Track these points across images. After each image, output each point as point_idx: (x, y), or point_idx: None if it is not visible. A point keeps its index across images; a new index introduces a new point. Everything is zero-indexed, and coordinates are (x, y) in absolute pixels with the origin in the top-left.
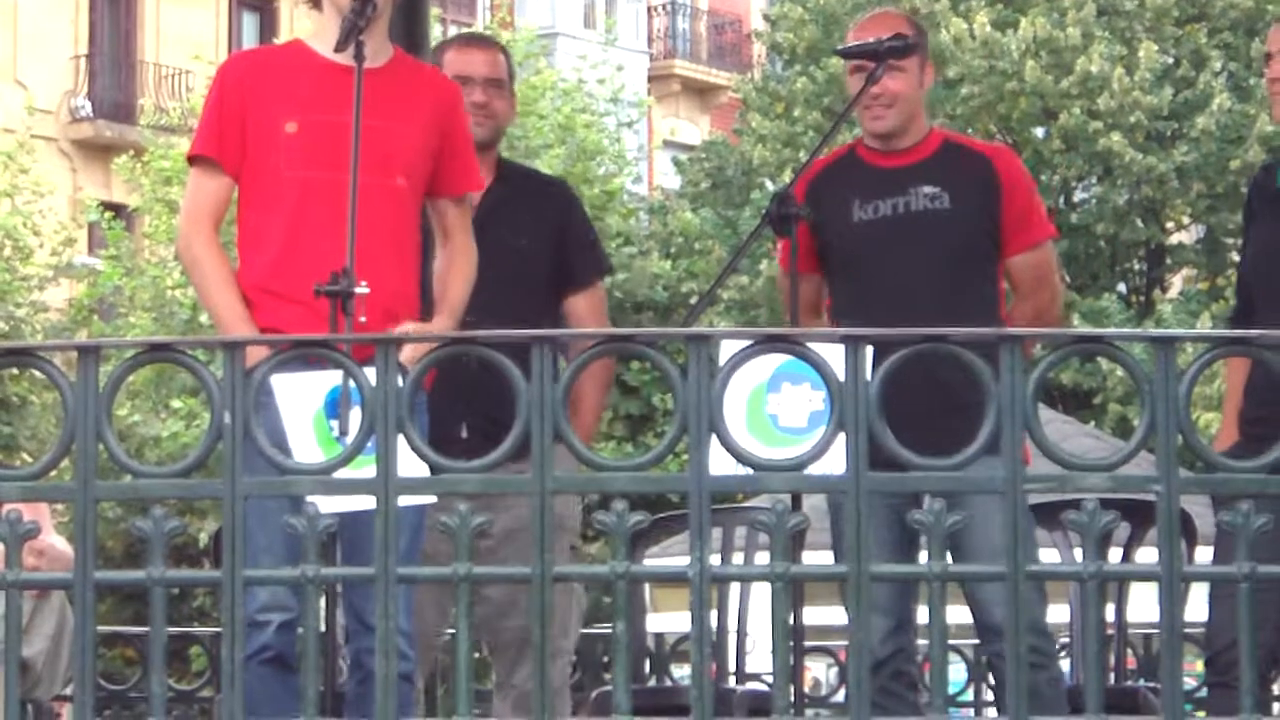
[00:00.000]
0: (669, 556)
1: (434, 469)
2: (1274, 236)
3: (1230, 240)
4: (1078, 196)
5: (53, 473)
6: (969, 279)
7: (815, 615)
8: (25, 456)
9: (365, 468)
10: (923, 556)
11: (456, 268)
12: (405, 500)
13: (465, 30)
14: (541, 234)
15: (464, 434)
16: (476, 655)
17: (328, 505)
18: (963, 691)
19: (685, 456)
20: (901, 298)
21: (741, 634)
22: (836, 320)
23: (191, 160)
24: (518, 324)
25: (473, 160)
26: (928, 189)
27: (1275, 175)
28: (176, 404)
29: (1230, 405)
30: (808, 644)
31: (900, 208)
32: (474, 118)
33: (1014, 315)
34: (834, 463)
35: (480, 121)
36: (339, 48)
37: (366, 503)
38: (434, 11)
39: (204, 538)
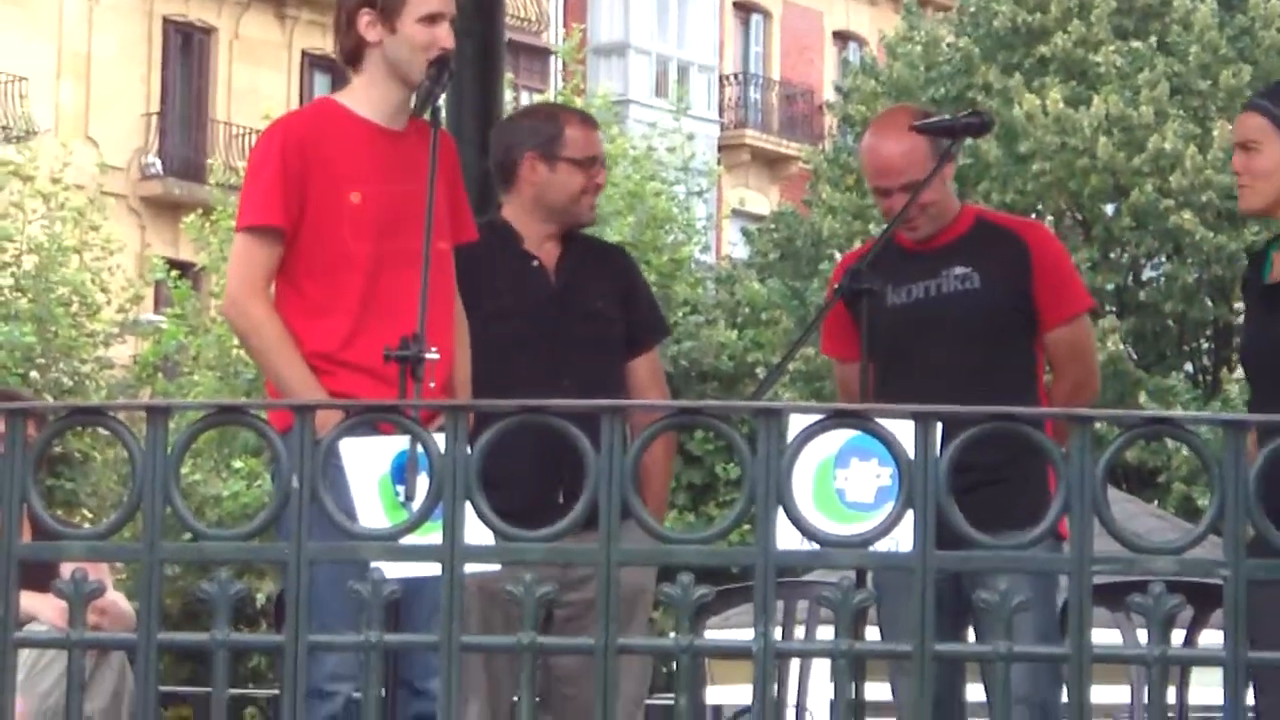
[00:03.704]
0: (729, 628)
1: (501, 537)
2: (1259, 330)
3: None
4: (1146, 274)
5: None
6: (1003, 357)
7: (874, 691)
8: (85, 512)
9: (430, 534)
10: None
11: (461, 330)
12: (472, 568)
13: (559, 100)
14: (613, 298)
15: (560, 500)
16: None
17: (393, 571)
18: None
19: (749, 528)
20: (937, 378)
21: (801, 708)
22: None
23: (250, 228)
24: (609, 388)
25: (469, 211)
26: (958, 269)
27: (1263, 270)
28: (238, 464)
29: None
30: None
31: (932, 290)
32: (591, 200)
33: (1053, 391)
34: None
35: (594, 204)
36: (416, 113)
37: (431, 569)
38: (507, 77)
39: (261, 597)
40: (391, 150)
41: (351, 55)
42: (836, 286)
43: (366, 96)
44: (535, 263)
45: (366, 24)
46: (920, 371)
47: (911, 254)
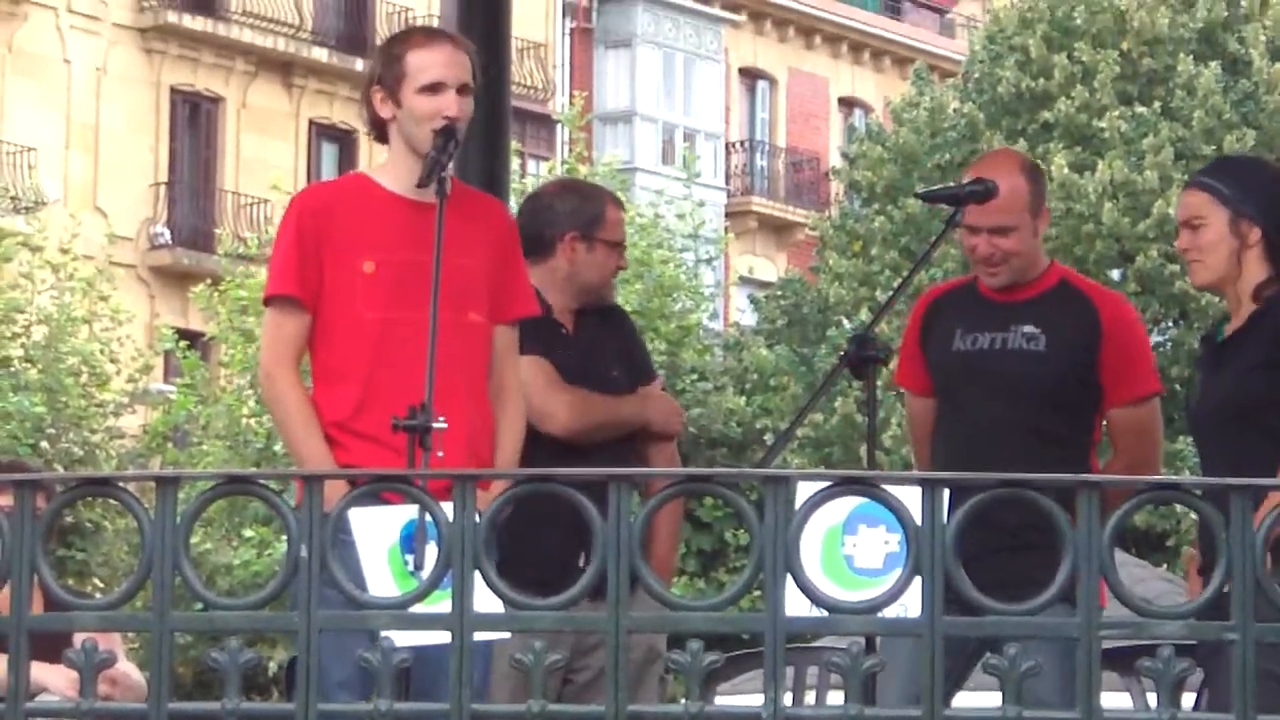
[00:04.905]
0: (740, 694)
1: (510, 605)
2: (1206, 392)
3: None
4: (1154, 339)
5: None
6: (1057, 423)
7: None
8: (97, 581)
9: (441, 603)
10: (971, 698)
11: (514, 405)
12: (481, 636)
13: (565, 169)
14: (622, 363)
15: (582, 563)
16: None
17: (403, 640)
18: None
19: (758, 594)
20: (985, 433)
21: None
22: (933, 446)
23: (270, 299)
24: (628, 456)
25: (528, 285)
26: (1027, 328)
27: (1219, 329)
28: (249, 533)
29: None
30: None
31: (997, 343)
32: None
33: (1107, 467)
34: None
35: (613, 283)
36: (423, 183)
37: (442, 638)
38: (513, 146)
39: (274, 665)
40: (418, 221)
41: (378, 132)
42: (842, 353)
43: (393, 170)
44: (564, 330)
45: (379, 100)
46: (975, 420)
47: (988, 301)
